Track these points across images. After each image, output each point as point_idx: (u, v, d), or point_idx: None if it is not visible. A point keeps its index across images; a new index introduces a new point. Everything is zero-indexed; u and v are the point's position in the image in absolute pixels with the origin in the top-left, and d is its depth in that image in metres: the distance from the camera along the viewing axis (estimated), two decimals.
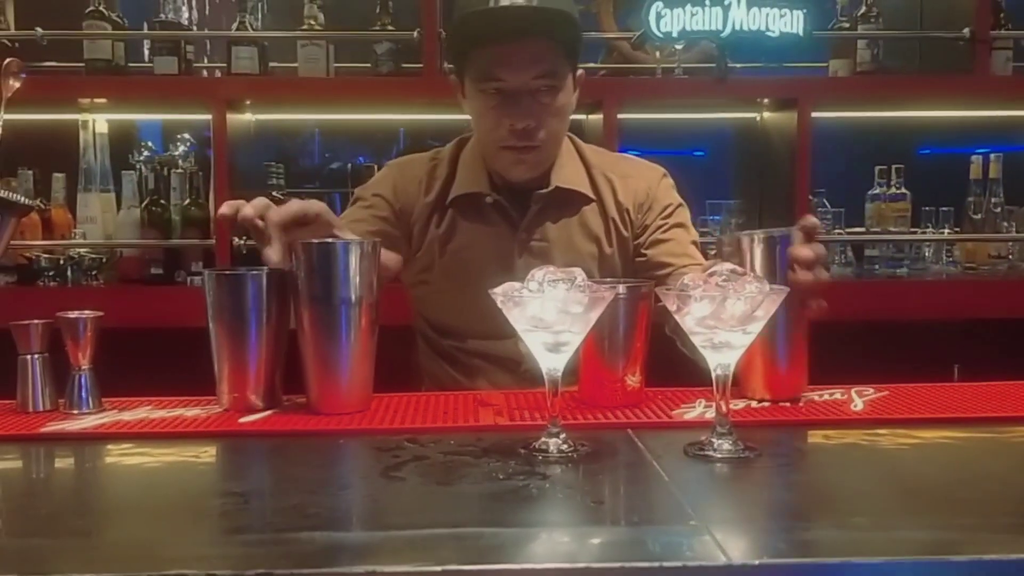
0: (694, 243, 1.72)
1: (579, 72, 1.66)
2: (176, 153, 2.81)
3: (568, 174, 1.69)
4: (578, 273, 1.10)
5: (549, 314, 1.07)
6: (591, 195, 1.70)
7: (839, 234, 2.88)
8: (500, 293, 1.09)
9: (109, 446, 1.20)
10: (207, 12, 2.95)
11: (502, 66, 1.56)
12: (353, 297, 1.26)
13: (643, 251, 1.72)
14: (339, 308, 1.26)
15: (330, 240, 1.30)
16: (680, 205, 1.75)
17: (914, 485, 1.04)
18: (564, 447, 1.10)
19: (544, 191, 1.67)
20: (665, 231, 1.71)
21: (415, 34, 2.67)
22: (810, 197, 2.78)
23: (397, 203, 1.72)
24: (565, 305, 1.07)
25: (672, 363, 1.54)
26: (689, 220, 1.76)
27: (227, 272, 1.33)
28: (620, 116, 2.70)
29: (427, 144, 3.21)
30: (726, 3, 2.54)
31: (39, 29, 2.69)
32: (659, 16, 2.55)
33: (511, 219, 1.68)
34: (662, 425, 1.24)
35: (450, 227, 1.70)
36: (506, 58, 1.55)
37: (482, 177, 1.69)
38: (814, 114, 2.72)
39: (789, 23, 2.57)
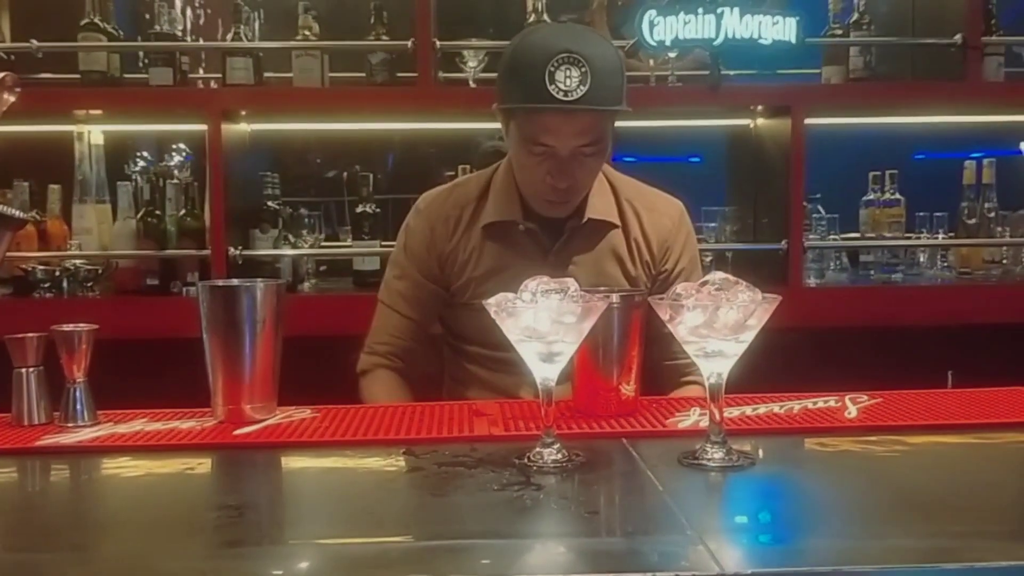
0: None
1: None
2: (171, 164, 2.80)
3: (598, 204, 1.74)
4: (571, 283, 1.11)
5: (542, 324, 1.08)
6: (618, 222, 1.74)
7: (834, 240, 2.88)
8: (493, 304, 1.10)
9: (104, 459, 1.20)
10: (202, 23, 2.95)
11: (551, 135, 1.59)
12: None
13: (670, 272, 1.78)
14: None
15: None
16: (695, 253, 1.83)
17: (907, 493, 1.04)
18: (558, 457, 1.10)
19: (578, 223, 1.70)
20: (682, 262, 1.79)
21: (409, 44, 2.67)
22: (804, 203, 2.78)
23: (434, 253, 1.77)
24: (558, 315, 1.08)
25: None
26: (698, 260, 1.84)
27: (221, 285, 1.34)
28: (615, 124, 2.70)
29: (423, 153, 3.25)
30: (719, 11, 2.55)
31: (34, 41, 2.68)
32: (652, 25, 2.55)
33: (542, 245, 1.71)
34: (656, 434, 1.25)
35: (480, 252, 1.74)
36: (555, 129, 1.58)
37: (515, 205, 1.72)
38: (807, 121, 2.72)
39: (782, 30, 2.57)
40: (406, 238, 1.81)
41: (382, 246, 2.72)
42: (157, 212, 2.73)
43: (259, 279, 1.34)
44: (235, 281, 1.34)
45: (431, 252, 1.76)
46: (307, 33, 2.77)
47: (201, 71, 2.96)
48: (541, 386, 1.11)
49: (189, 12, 2.87)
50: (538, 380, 1.11)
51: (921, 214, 2.90)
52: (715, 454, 1.10)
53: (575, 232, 1.71)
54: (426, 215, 1.79)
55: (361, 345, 1.81)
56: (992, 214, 2.92)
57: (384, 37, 2.77)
